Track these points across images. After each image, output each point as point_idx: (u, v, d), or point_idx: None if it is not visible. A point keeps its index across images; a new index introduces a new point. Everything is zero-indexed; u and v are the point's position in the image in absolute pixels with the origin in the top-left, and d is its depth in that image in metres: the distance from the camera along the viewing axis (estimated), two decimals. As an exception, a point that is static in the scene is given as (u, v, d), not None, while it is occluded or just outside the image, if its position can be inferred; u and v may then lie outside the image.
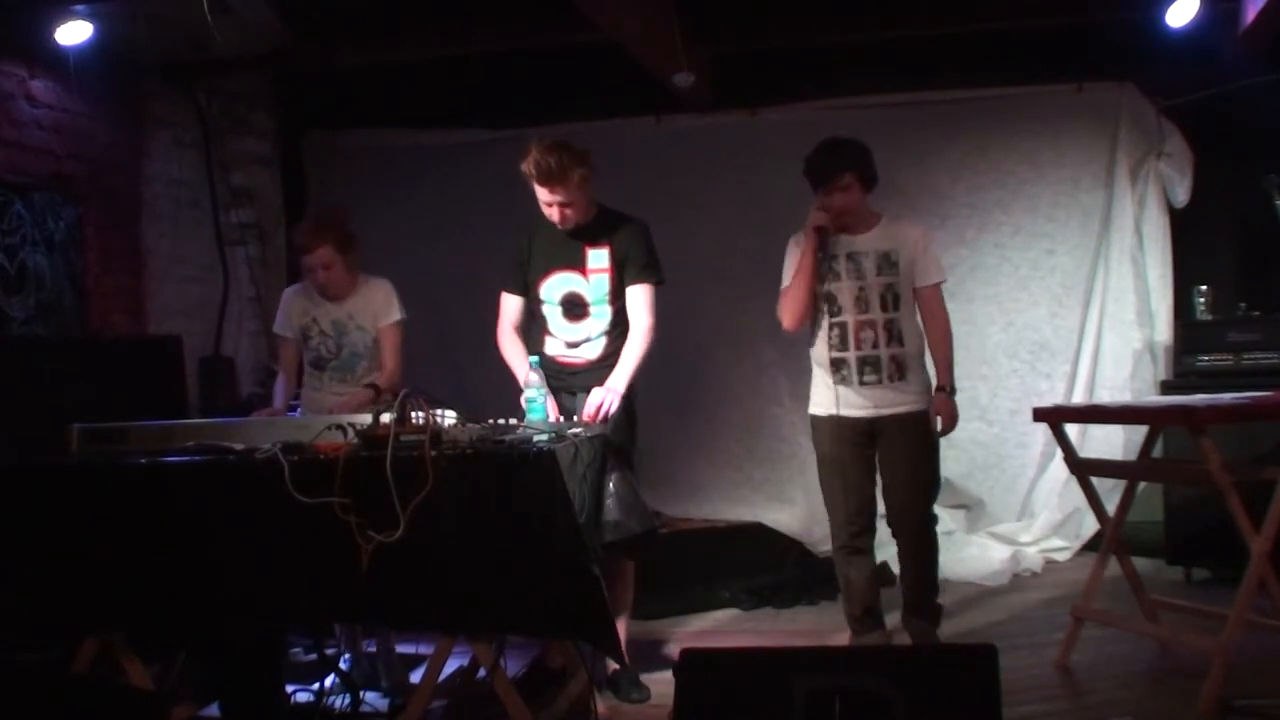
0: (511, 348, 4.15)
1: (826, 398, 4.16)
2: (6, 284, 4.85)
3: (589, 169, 3.96)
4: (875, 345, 4.09)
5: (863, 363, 4.09)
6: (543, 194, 3.96)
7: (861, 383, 4.09)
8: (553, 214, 3.98)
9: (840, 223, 4.12)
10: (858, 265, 4.11)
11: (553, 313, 4.11)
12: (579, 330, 4.09)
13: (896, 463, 4.13)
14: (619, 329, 4.09)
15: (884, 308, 4.09)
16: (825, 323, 4.13)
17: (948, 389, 4.09)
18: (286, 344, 4.43)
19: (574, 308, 4.08)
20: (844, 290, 4.11)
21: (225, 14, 5.19)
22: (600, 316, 4.08)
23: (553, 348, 4.11)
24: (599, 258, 4.05)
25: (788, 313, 4.15)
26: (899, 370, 4.09)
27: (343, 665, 4.21)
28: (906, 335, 4.11)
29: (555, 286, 4.09)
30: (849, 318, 4.10)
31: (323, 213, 4.42)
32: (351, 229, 4.34)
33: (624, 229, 4.08)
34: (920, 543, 4.22)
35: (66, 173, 5.22)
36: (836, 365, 4.12)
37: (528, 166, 3.93)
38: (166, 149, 5.94)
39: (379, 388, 4.20)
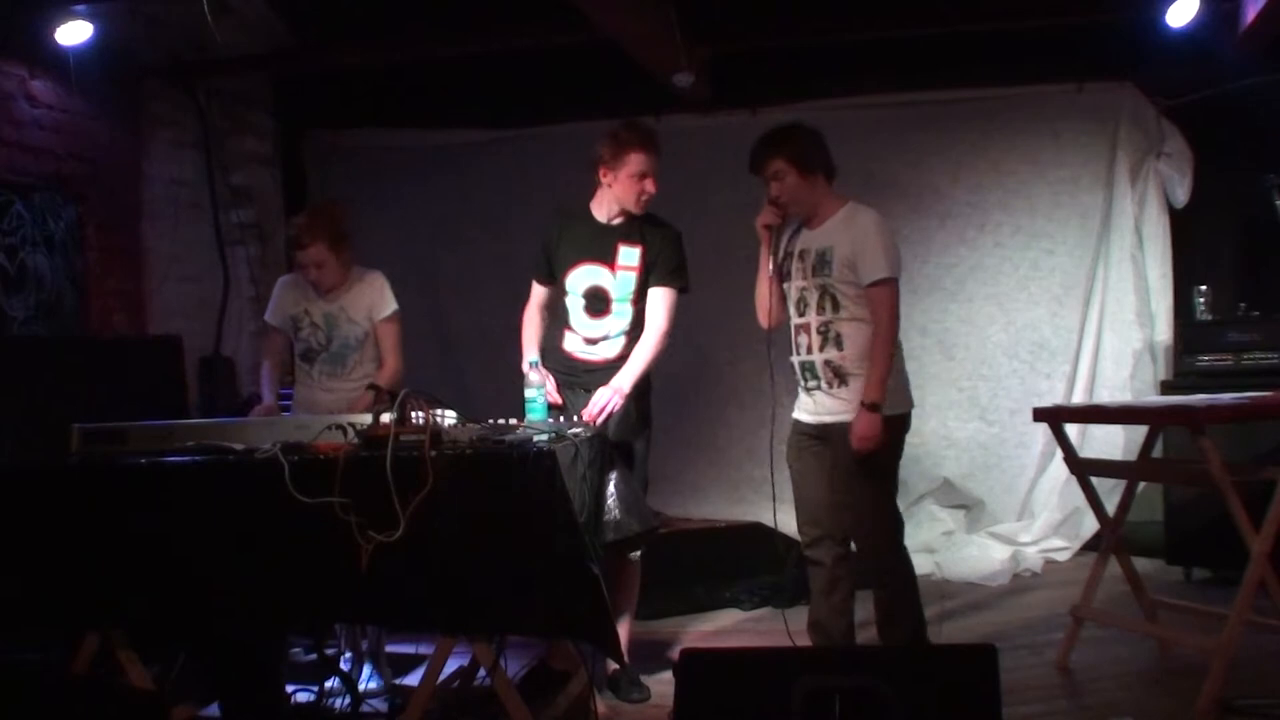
0: (529, 329, 4.17)
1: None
2: (6, 284, 4.85)
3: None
4: (809, 350, 3.85)
5: (804, 368, 3.89)
6: (642, 163, 3.96)
7: (807, 388, 3.90)
8: (646, 186, 3.97)
9: (796, 214, 3.90)
10: (804, 264, 3.87)
11: (575, 304, 4.08)
12: (599, 327, 4.07)
13: (833, 476, 3.84)
14: (639, 330, 4.06)
15: (819, 310, 3.82)
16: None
17: (867, 404, 3.68)
18: (274, 334, 4.44)
19: (597, 302, 4.06)
20: (791, 291, 3.92)
21: (225, 14, 5.20)
22: (621, 315, 4.06)
23: (571, 343, 4.10)
24: (630, 255, 4.03)
25: (758, 310, 4.03)
26: (836, 376, 3.80)
27: (342, 665, 4.21)
28: (848, 339, 3.78)
29: (581, 278, 4.06)
30: (793, 320, 3.92)
31: (317, 208, 4.38)
32: (346, 224, 4.31)
33: (660, 232, 4.07)
34: (880, 577, 3.88)
35: (66, 173, 5.22)
36: (792, 368, 3.98)
37: (630, 134, 3.97)
38: (166, 149, 5.94)
39: (379, 387, 4.19)
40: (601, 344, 4.08)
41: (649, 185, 3.98)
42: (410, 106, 6.67)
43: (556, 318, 4.16)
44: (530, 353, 4.09)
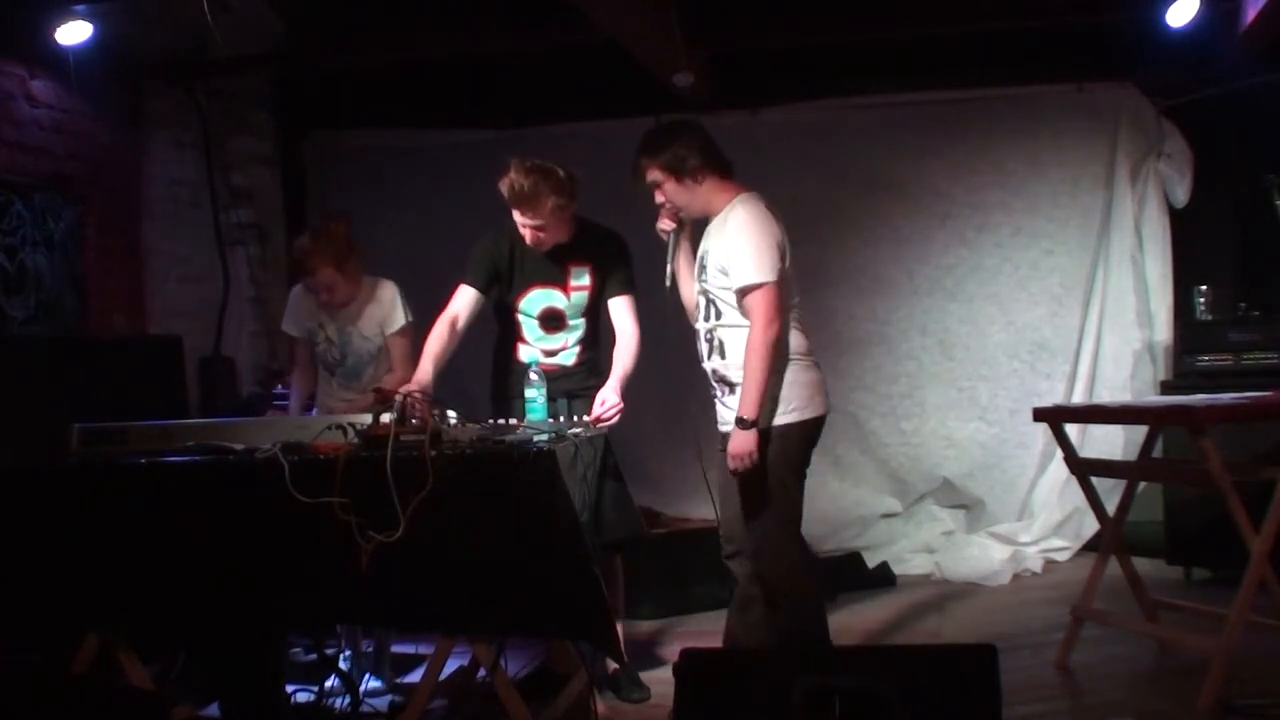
0: (435, 341, 3.95)
1: None
2: (6, 284, 4.85)
3: (567, 199, 3.88)
4: (704, 359, 3.71)
5: (706, 376, 3.74)
6: (516, 215, 3.94)
7: (711, 397, 3.76)
8: (527, 235, 3.95)
9: (690, 217, 3.72)
10: (695, 269, 3.75)
11: (529, 324, 4.12)
12: (556, 340, 4.11)
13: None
14: (591, 338, 4.14)
15: (706, 317, 3.67)
16: None
17: (738, 420, 3.49)
18: (297, 343, 4.44)
19: (552, 321, 4.10)
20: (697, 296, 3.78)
21: (225, 14, 5.19)
22: (576, 329, 4.11)
23: (527, 355, 4.11)
24: (581, 275, 4.06)
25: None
26: (724, 384, 3.64)
27: (342, 665, 4.21)
28: (729, 346, 3.60)
29: (535, 301, 4.09)
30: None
31: (320, 230, 4.32)
32: (351, 240, 4.29)
33: (604, 246, 4.08)
34: (771, 599, 3.59)
35: (66, 173, 5.22)
36: None
37: (503, 186, 3.89)
38: (166, 149, 5.94)
39: (384, 391, 4.19)
40: (560, 355, 4.11)
41: (529, 235, 3.94)
42: (410, 106, 6.67)
43: (505, 330, 4.16)
44: (426, 367, 3.88)
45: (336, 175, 6.79)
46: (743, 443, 3.50)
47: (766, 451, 3.53)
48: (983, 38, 5.86)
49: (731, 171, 3.73)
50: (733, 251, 3.53)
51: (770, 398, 3.53)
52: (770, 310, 3.48)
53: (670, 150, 3.63)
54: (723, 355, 3.64)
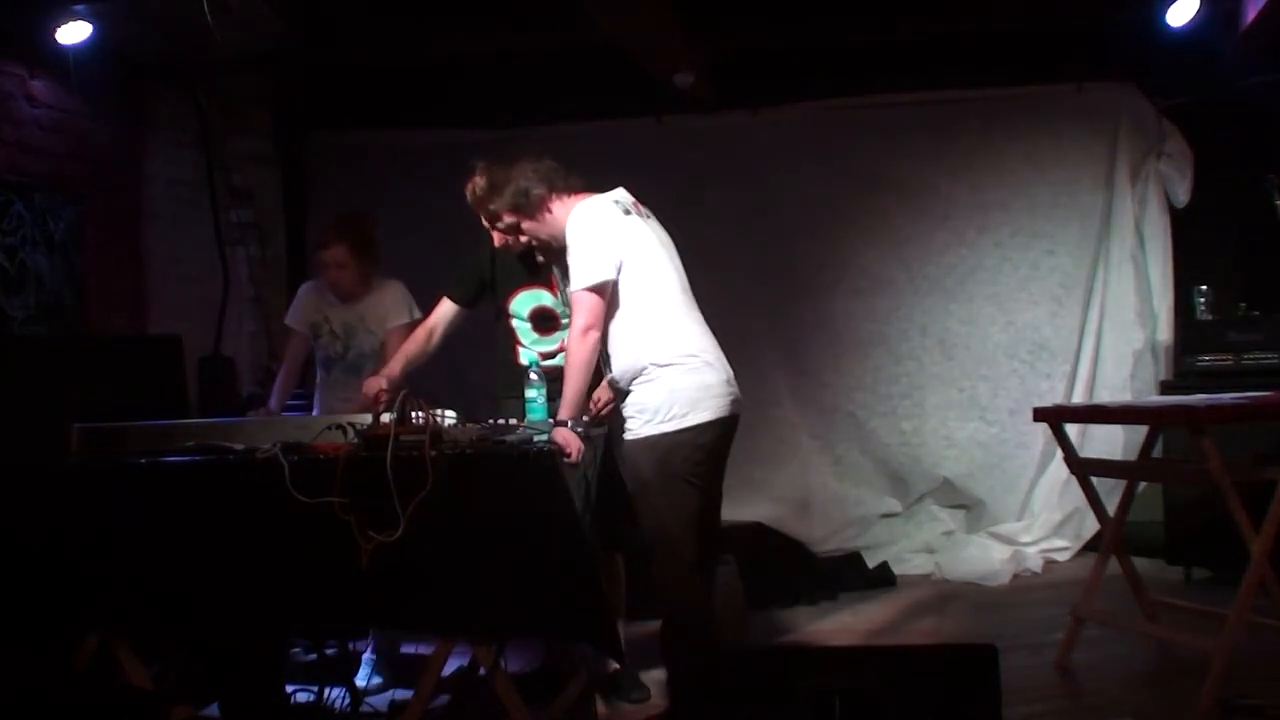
0: (411, 344, 4.00)
1: None
2: (6, 284, 4.84)
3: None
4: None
5: None
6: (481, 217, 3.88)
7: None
8: (495, 238, 3.90)
9: (558, 245, 3.61)
10: None
11: (522, 327, 4.11)
12: (552, 341, 4.11)
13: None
14: None
15: None
16: None
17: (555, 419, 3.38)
18: (294, 337, 4.50)
19: (544, 321, 4.10)
20: None
21: (225, 14, 5.18)
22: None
23: (526, 358, 4.10)
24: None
25: None
26: (619, 395, 3.56)
27: (366, 663, 4.26)
28: (614, 355, 3.49)
29: (524, 302, 4.09)
30: None
31: (349, 214, 4.43)
32: (372, 234, 4.38)
33: None
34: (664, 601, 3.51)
35: (66, 173, 5.21)
36: None
37: (466, 189, 3.78)
38: (166, 149, 5.93)
39: None
40: (558, 355, 4.07)
41: (496, 237, 3.89)
42: (411, 106, 6.66)
43: (503, 336, 4.16)
44: (396, 364, 3.92)
45: (337, 175, 6.79)
46: (557, 437, 3.25)
47: (644, 461, 3.41)
48: (983, 37, 5.87)
49: (578, 185, 3.59)
50: (570, 258, 3.45)
51: (647, 406, 3.42)
52: (588, 317, 3.38)
53: (509, 188, 3.54)
54: (609, 366, 3.54)
